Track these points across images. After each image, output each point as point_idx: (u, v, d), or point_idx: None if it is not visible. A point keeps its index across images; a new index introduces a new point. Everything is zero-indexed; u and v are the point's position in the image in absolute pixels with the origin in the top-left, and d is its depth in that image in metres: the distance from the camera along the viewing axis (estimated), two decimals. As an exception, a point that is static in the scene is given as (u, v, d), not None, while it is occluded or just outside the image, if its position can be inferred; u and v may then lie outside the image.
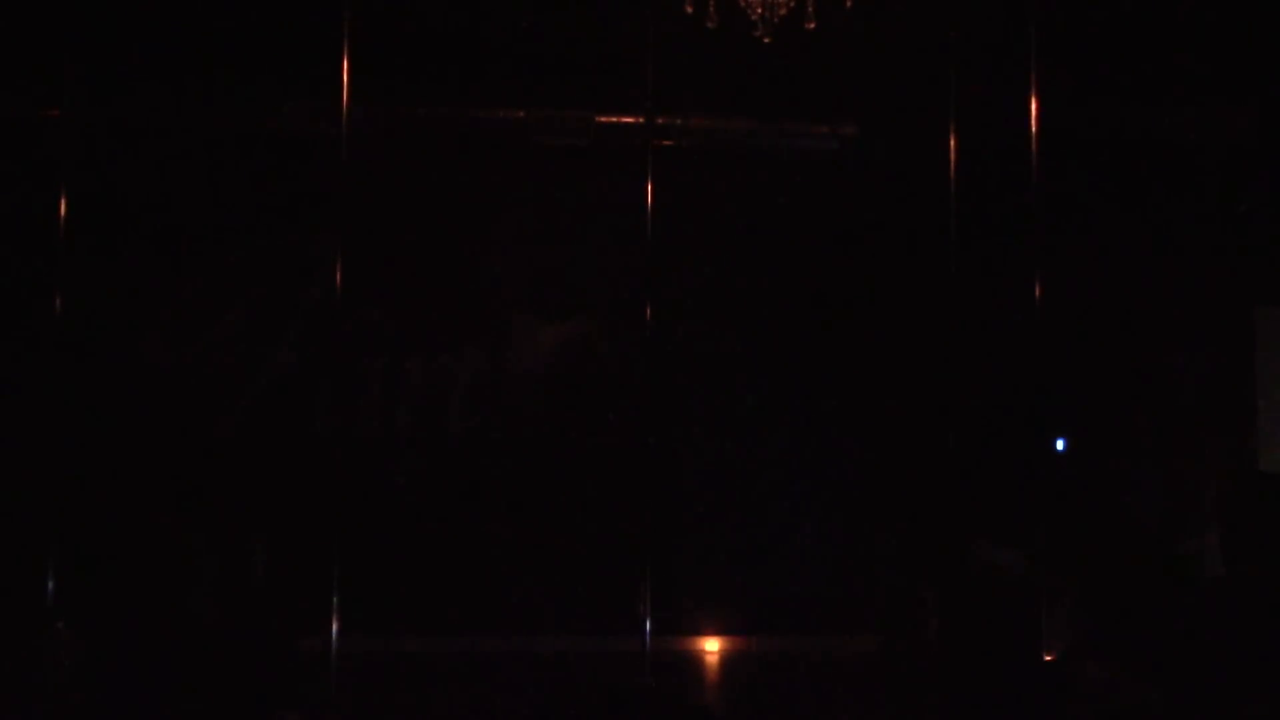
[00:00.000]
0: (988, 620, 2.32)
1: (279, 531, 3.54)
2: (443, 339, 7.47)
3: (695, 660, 7.34)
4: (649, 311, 5.40)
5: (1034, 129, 5.07)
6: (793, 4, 4.53)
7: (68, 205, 5.05)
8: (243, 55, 6.47)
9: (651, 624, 5.26)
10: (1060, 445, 6.87)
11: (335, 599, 4.78)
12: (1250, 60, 6.41)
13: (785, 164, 7.45)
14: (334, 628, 4.73)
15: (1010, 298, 6.10)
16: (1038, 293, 5.31)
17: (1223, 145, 7.14)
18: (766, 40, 4.53)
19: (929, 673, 5.23)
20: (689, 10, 4.38)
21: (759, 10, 4.49)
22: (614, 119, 6.99)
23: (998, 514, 6.67)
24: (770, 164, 7.45)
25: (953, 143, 5.22)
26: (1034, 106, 5.04)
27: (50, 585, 4.78)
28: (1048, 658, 2.96)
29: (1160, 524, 6.35)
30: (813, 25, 4.51)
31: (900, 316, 7.29)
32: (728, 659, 7.38)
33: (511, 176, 7.44)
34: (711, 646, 7.48)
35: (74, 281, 5.33)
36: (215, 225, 7.24)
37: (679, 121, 6.99)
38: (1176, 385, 7.16)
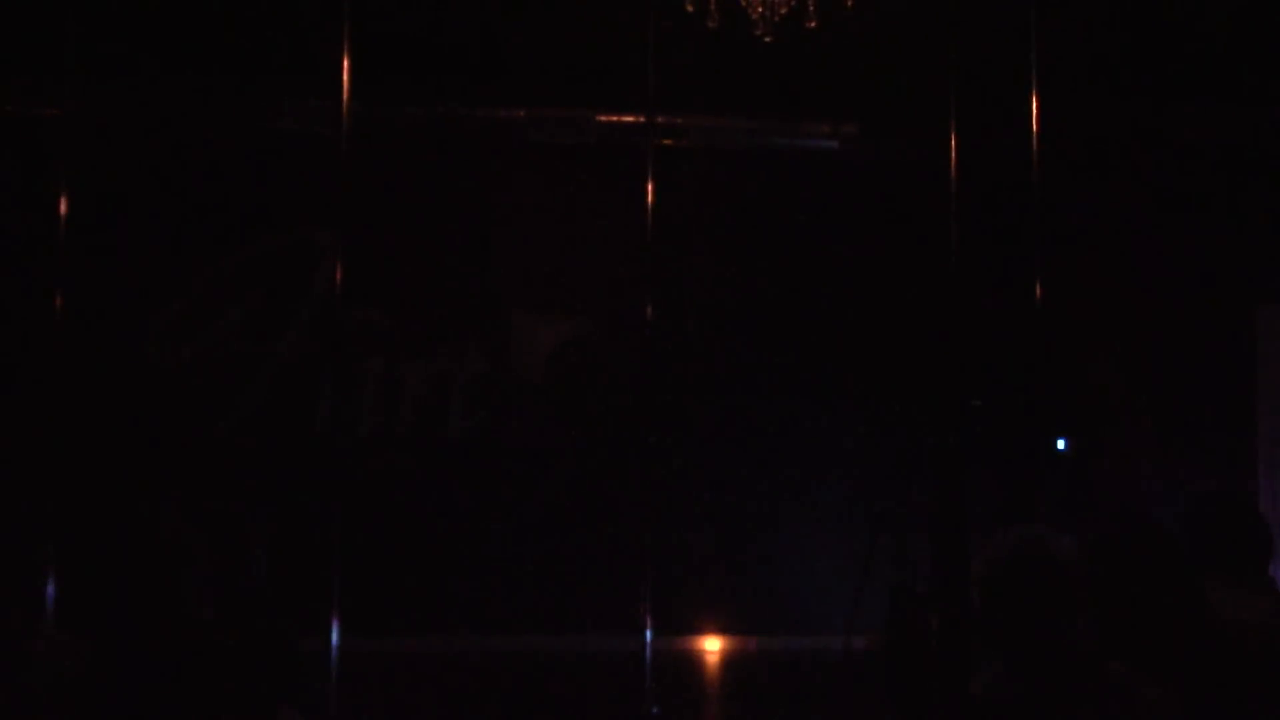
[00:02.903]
0: (1026, 609, 2.28)
1: (279, 531, 3.54)
2: (443, 339, 7.47)
3: (695, 660, 7.34)
4: (649, 311, 5.39)
5: (1035, 128, 5.06)
6: (793, 3, 4.53)
7: (68, 205, 5.03)
8: (243, 55, 6.47)
9: (651, 624, 5.25)
10: (1061, 445, 6.87)
11: (335, 599, 4.77)
12: (1251, 60, 6.40)
13: (786, 163, 7.46)
14: (334, 628, 4.72)
15: (1011, 298, 6.09)
16: (1038, 293, 5.29)
17: (1222, 145, 7.14)
18: (767, 39, 4.53)
19: (929, 671, 5.22)
20: (690, 9, 4.38)
21: (759, 9, 4.49)
22: (615, 118, 6.99)
23: (1000, 510, 6.67)
24: (771, 163, 7.45)
25: (953, 142, 5.21)
26: (1035, 106, 5.03)
27: (50, 585, 4.78)
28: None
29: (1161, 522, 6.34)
30: (814, 24, 4.52)
31: (900, 316, 7.29)
32: (728, 659, 7.38)
33: (511, 176, 7.44)
34: (712, 646, 7.48)
35: (74, 281, 5.31)
36: (215, 224, 7.25)
37: (680, 121, 7.00)
38: (1177, 385, 7.16)
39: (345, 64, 4.81)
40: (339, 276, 5.02)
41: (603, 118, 7.01)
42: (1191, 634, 2.61)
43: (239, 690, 2.74)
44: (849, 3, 4.57)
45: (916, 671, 5.01)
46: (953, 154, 5.24)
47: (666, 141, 6.81)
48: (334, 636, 4.71)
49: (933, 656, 4.90)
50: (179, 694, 2.67)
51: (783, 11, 4.45)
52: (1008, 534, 2.38)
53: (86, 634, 2.85)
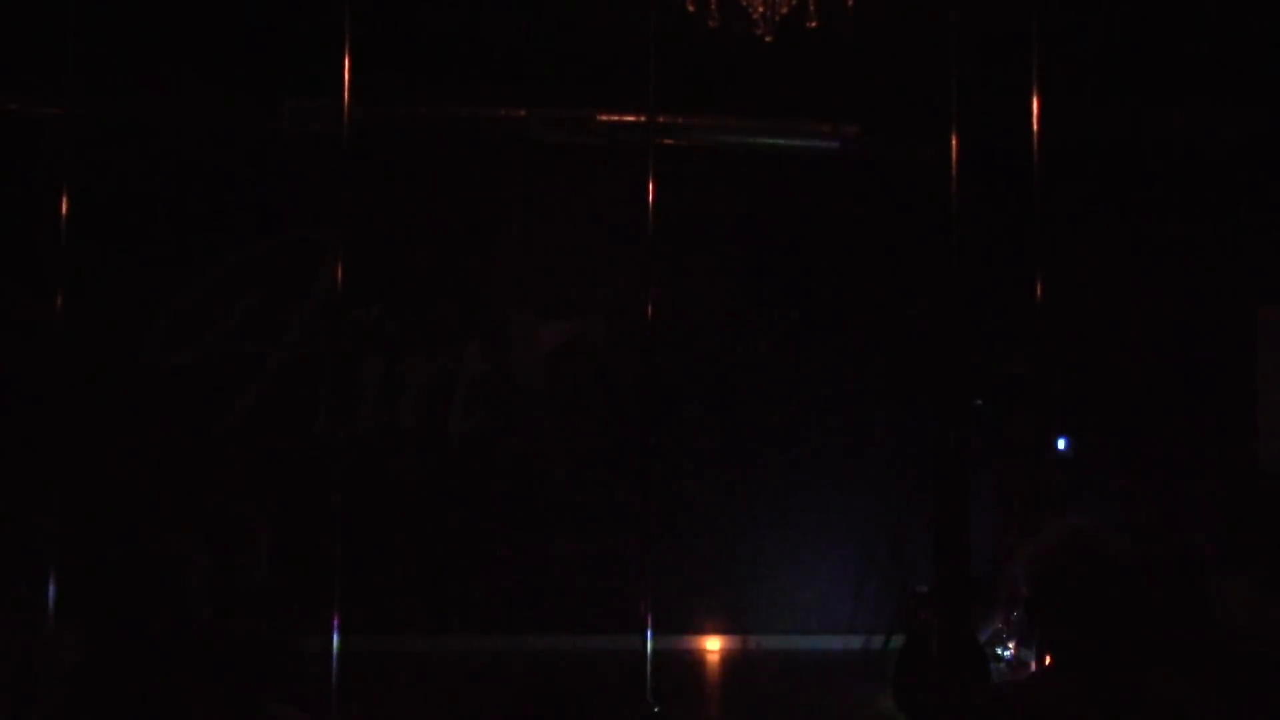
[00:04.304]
0: (1073, 603, 2.27)
1: (279, 531, 3.53)
2: (443, 339, 7.47)
3: (695, 660, 7.34)
4: (649, 311, 5.38)
5: (1035, 128, 5.05)
6: (794, 3, 4.53)
7: (68, 205, 5.03)
8: (244, 55, 6.47)
9: (652, 624, 5.24)
10: (1061, 444, 6.86)
11: (335, 599, 4.77)
12: (1251, 60, 6.40)
13: (786, 163, 7.45)
14: (334, 628, 4.72)
15: (1011, 298, 6.09)
16: (1038, 293, 5.28)
17: (1222, 145, 7.13)
18: (768, 39, 4.53)
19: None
20: (691, 9, 4.38)
21: (760, 9, 4.49)
22: (616, 118, 6.99)
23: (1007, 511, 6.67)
24: (771, 163, 7.45)
25: (954, 142, 5.20)
26: (1035, 106, 5.03)
27: (50, 585, 4.77)
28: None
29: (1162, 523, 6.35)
30: (814, 24, 4.52)
31: (901, 316, 7.29)
32: (728, 659, 7.38)
33: (512, 175, 7.44)
34: (712, 646, 7.48)
35: (74, 281, 5.31)
36: (215, 225, 7.24)
37: (681, 120, 6.99)
38: (1177, 385, 7.16)
39: (345, 64, 4.81)
40: (339, 276, 5.01)
41: (603, 117, 7.01)
42: (1197, 639, 2.61)
43: (233, 688, 2.74)
44: (849, 2, 4.57)
45: (918, 669, 5.01)
46: (953, 154, 5.23)
47: (667, 141, 6.81)
48: (334, 636, 4.70)
49: (932, 654, 4.91)
50: (174, 691, 2.67)
51: (784, 11, 4.45)
52: (1057, 527, 2.37)
53: (85, 632, 2.86)
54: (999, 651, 6.40)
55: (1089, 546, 2.30)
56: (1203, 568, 2.74)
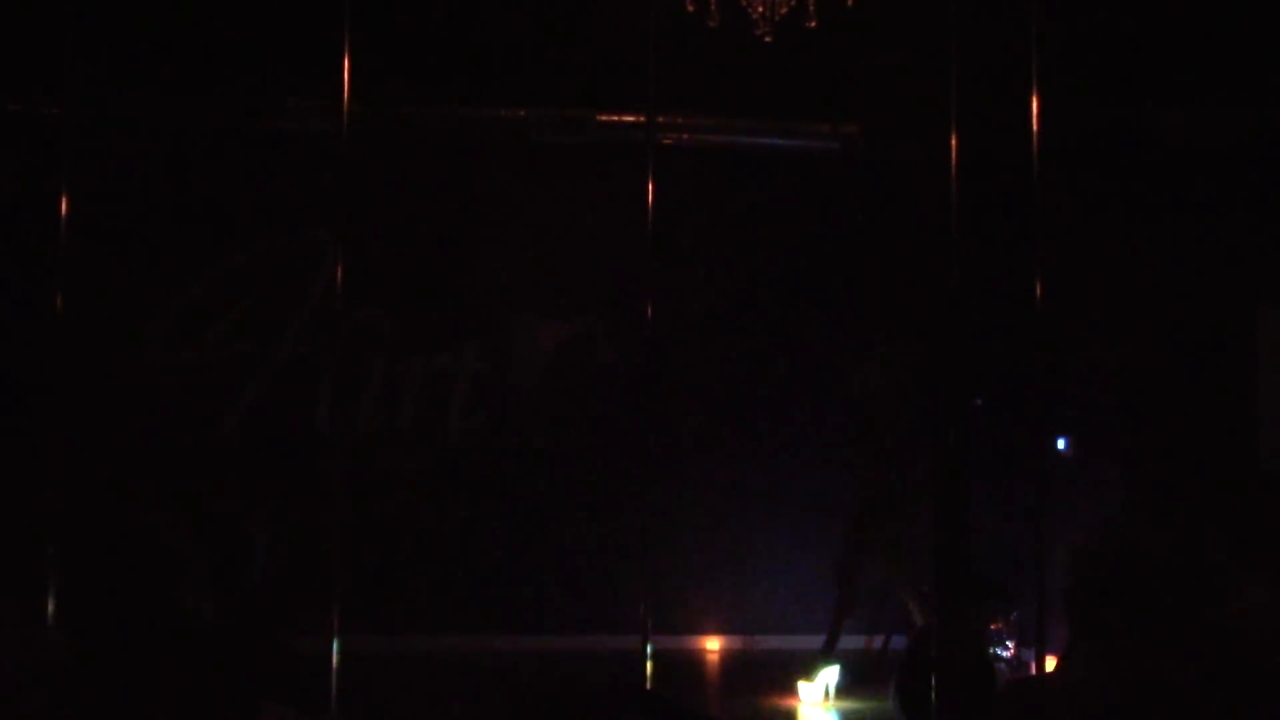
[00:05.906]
0: (1115, 600, 2.29)
1: (279, 531, 3.52)
2: (443, 339, 7.47)
3: (695, 660, 7.34)
4: (649, 311, 5.38)
5: (1035, 128, 5.05)
6: (794, 3, 4.53)
7: (68, 205, 5.02)
8: (243, 54, 6.47)
9: (651, 624, 5.24)
10: (1061, 444, 6.87)
11: (335, 599, 4.76)
12: (1251, 60, 6.40)
13: (787, 163, 7.46)
14: (334, 628, 4.71)
15: (1011, 298, 6.08)
16: (1038, 293, 5.27)
17: (1223, 146, 7.12)
18: (768, 39, 4.53)
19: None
20: (690, 9, 4.38)
21: (760, 9, 4.49)
22: (615, 118, 6.99)
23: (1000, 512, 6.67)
24: (771, 163, 7.45)
25: (953, 142, 5.20)
26: (1035, 106, 5.02)
27: (50, 586, 4.76)
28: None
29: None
30: (814, 24, 4.52)
31: (900, 316, 7.29)
32: (727, 659, 7.38)
33: (511, 176, 7.44)
34: (712, 646, 7.48)
35: (74, 281, 5.31)
36: (216, 224, 7.25)
37: (680, 121, 6.99)
38: (1177, 387, 7.15)
39: (345, 64, 4.80)
40: (339, 276, 5.01)
41: (603, 117, 7.01)
42: (1207, 636, 2.61)
43: (230, 688, 2.74)
44: (849, 2, 4.57)
45: (920, 670, 5.01)
46: (953, 154, 5.23)
47: (666, 141, 6.81)
48: (334, 636, 4.69)
49: (933, 655, 4.91)
50: (171, 692, 2.67)
51: (783, 11, 4.45)
52: (1102, 526, 2.39)
53: (81, 632, 2.85)
54: (999, 652, 6.40)
55: (1133, 543, 2.32)
56: (1214, 566, 2.74)
